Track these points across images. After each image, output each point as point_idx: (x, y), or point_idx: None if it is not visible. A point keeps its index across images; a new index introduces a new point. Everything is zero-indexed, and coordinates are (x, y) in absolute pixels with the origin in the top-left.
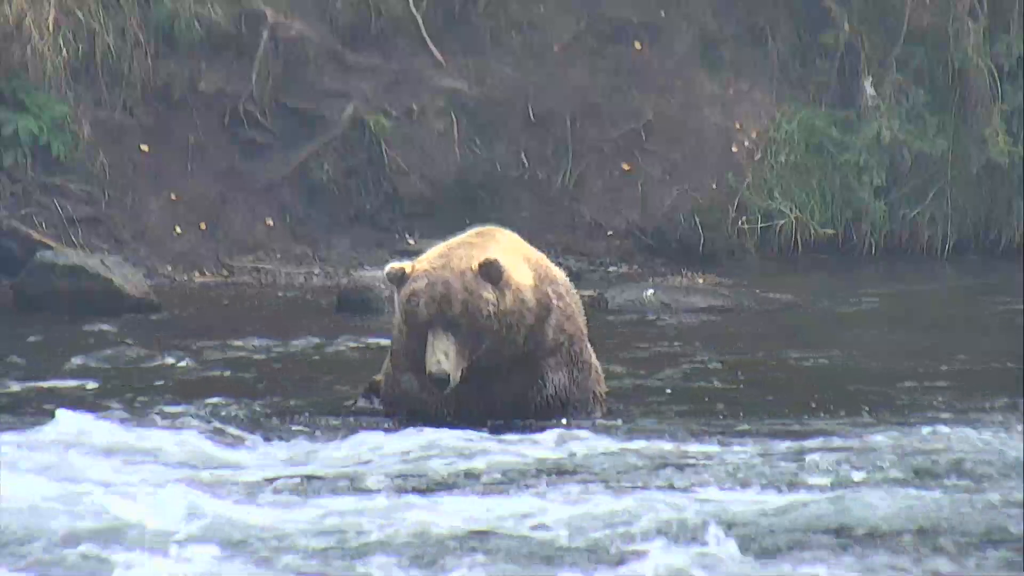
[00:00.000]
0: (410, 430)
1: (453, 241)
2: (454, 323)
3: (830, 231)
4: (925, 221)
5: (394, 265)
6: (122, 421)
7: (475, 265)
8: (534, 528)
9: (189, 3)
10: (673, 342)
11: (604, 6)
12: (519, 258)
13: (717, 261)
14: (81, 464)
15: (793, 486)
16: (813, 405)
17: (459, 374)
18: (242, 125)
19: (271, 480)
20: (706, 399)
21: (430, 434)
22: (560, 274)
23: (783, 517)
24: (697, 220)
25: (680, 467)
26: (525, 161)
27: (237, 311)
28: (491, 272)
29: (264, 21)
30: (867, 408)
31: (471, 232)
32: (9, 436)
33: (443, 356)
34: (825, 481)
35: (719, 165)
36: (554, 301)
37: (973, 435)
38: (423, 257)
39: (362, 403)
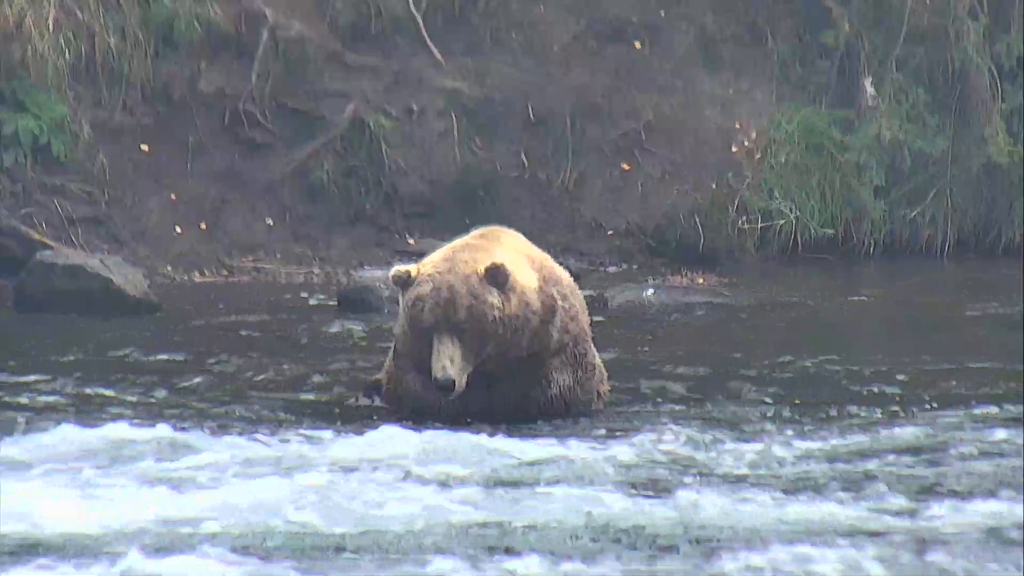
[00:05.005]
0: (411, 429)
1: (457, 243)
2: (459, 328)
3: (830, 231)
4: (925, 221)
5: (399, 268)
6: (121, 421)
7: (481, 269)
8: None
9: (189, 3)
10: (673, 342)
11: (604, 6)
12: (523, 259)
13: (717, 261)
14: (82, 466)
15: (791, 487)
16: (812, 405)
17: (465, 379)
18: (242, 125)
19: (272, 480)
20: (706, 399)
21: (429, 434)
22: (564, 274)
23: (780, 518)
24: (697, 220)
25: (680, 466)
26: (525, 161)
27: (237, 311)
28: (497, 276)
29: (264, 21)
30: (866, 408)
31: (475, 233)
32: (9, 437)
33: (449, 362)
34: (823, 482)
35: (719, 165)
36: (558, 302)
37: (973, 435)
38: (427, 260)
39: (363, 402)
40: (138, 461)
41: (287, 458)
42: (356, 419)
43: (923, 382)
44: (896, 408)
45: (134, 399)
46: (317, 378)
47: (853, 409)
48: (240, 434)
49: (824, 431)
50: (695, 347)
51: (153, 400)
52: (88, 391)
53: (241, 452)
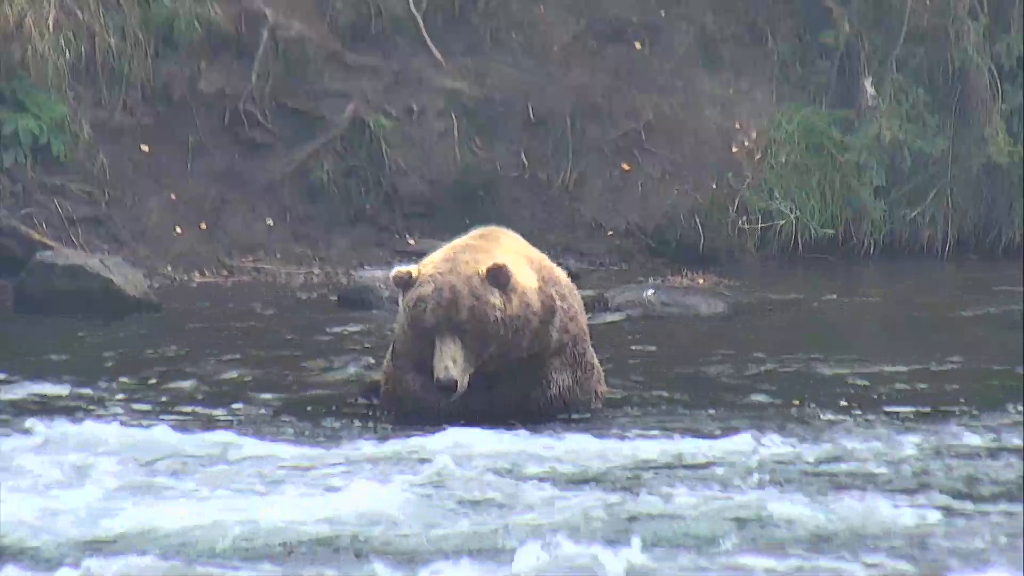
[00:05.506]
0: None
1: (457, 243)
2: (461, 328)
3: (830, 231)
4: (925, 221)
5: (400, 269)
6: (122, 422)
7: (482, 270)
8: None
9: (189, 3)
10: (672, 342)
11: (604, 6)
12: (523, 260)
13: (717, 261)
14: (82, 467)
15: (790, 488)
16: (812, 406)
17: (466, 380)
18: (242, 125)
19: (273, 481)
20: (705, 399)
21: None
22: (562, 274)
23: (778, 518)
24: (697, 220)
25: (679, 467)
26: (525, 161)
27: (237, 311)
28: (499, 277)
29: (264, 21)
30: (866, 409)
31: (474, 233)
32: (10, 438)
33: (451, 362)
34: (822, 483)
35: (719, 165)
36: (558, 303)
37: (973, 435)
38: (428, 260)
39: (362, 403)
40: (138, 462)
41: (302, 457)
42: (364, 419)
43: (923, 382)
44: (896, 408)
45: (134, 399)
46: (316, 379)
47: (851, 409)
48: (240, 434)
49: (821, 432)
50: (694, 347)
51: (153, 400)
52: (88, 391)
53: (250, 452)
